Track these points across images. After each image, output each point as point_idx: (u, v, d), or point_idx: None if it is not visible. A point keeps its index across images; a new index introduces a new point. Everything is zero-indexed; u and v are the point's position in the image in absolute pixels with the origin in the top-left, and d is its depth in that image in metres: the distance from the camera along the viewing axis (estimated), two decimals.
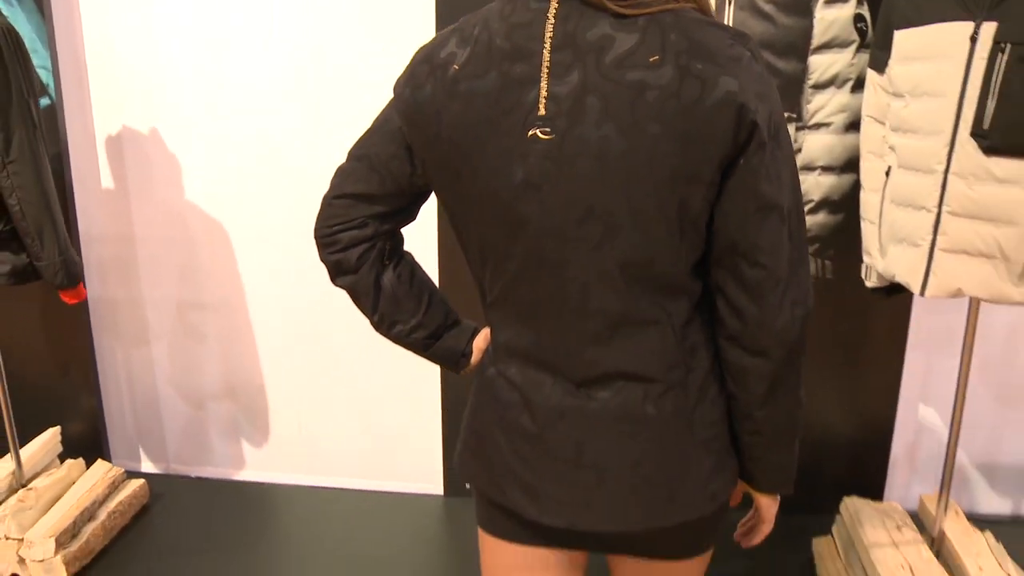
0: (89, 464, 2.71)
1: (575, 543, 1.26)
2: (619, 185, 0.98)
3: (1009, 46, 1.72)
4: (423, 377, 2.76)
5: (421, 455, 2.89)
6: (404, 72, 1.12)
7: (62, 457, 2.73)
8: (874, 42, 2.06)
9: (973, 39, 1.77)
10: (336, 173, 1.20)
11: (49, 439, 2.69)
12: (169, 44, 2.63)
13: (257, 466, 3.00)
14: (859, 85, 2.28)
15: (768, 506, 1.24)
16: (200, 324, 2.87)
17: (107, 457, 2.94)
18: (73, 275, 2.24)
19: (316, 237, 1.21)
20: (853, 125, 2.30)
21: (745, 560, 2.41)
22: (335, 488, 2.94)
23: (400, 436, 2.89)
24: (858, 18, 2.24)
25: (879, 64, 2.02)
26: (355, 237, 1.18)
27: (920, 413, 2.71)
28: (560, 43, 0.99)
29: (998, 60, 1.74)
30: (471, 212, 1.09)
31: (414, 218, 1.23)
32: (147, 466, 3.06)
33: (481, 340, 1.30)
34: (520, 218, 1.04)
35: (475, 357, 1.30)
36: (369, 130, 1.19)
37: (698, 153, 0.97)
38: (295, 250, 2.70)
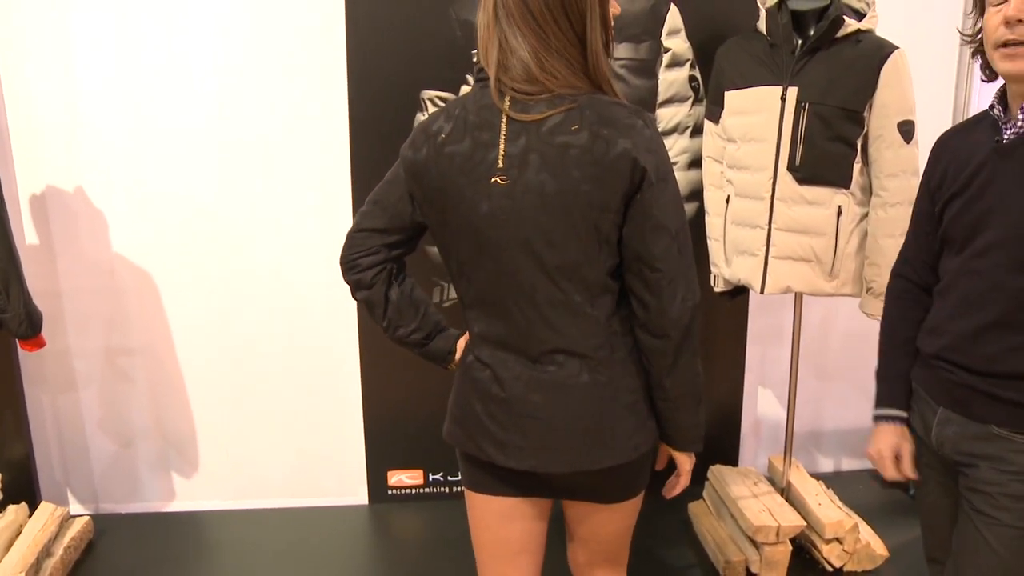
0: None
1: (536, 490, 1.66)
2: (553, 213, 1.42)
3: (808, 104, 2.32)
4: (345, 399, 3.11)
5: (345, 469, 3.20)
6: (408, 140, 1.55)
7: (1, 504, 2.89)
8: (708, 99, 2.64)
9: (783, 99, 2.35)
10: (358, 214, 1.62)
11: None
12: (89, 99, 2.80)
13: (187, 496, 3.22)
14: (696, 131, 2.84)
15: (683, 461, 1.64)
16: (128, 368, 3.08)
17: (37, 501, 3.08)
18: (36, 325, 2.47)
19: (341, 262, 1.62)
20: (694, 163, 2.85)
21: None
22: (266, 509, 3.19)
23: (323, 454, 3.19)
24: (691, 79, 2.82)
25: (714, 116, 2.60)
26: (371, 261, 1.59)
27: (760, 394, 3.31)
28: (511, 121, 1.44)
29: (801, 115, 2.33)
30: (452, 238, 1.52)
31: (415, 249, 1.65)
32: (76, 508, 3.21)
33: (462, 342, 1.72)
34: (486, 239, 1.48)
35: (458, 355, 1.71)
36: (382, 182, 1.60)
37: (607, 190, 1.39)
38: (219, 292, 2.99)
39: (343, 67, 2.79)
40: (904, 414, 1.80)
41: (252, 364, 3.08)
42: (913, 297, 1.79)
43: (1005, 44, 1.47)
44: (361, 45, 2.74)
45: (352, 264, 1.60)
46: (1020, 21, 1.43)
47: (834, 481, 3.12)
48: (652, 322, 1.47)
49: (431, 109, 2.78)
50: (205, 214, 2.94)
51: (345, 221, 2.92)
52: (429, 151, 1.49)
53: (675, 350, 1.48)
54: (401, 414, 3.11)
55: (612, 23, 1.50)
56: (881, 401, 1.83)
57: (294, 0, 2.79)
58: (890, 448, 1.81)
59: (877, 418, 1.82)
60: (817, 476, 3.04)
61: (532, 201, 1.42)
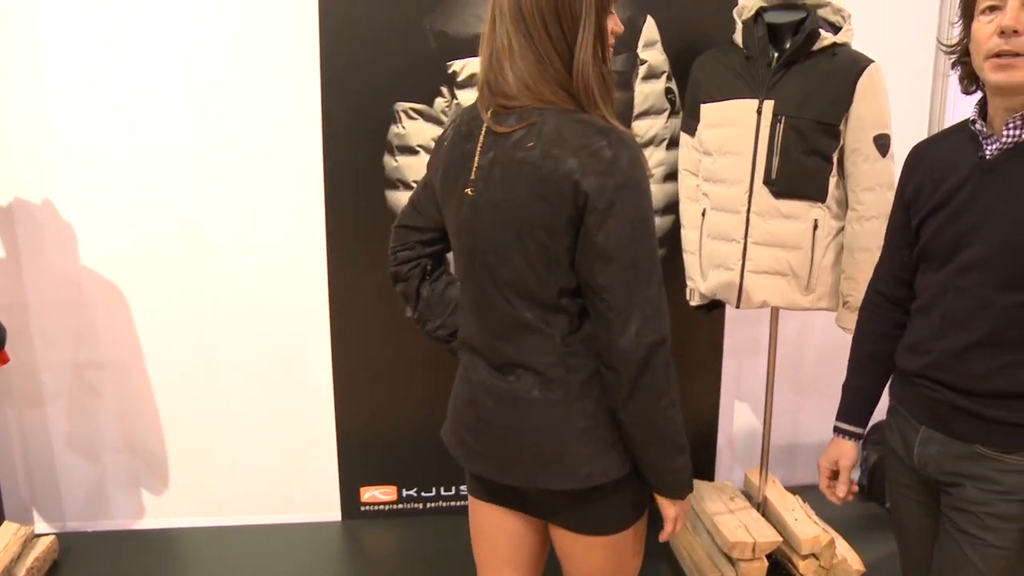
0: None
1: (518, 504, 1.64)
2: (506, 228, 1.42)
3: (784, 118, 2.31)
4: (318, 414, 3.06)
5: (317, 485, 3.16)
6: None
7: None
8: (685, 112, 2.62)
9: (759, 112, 2.34)
10: (400, 211, 1.69)
11: None
12: (57, 110, 2.76)
13: (157, 513, 3.16)
14: (672, 143, 2.82)
15: (665, 507, 1.56)
16: (96, 383, 3.03)
17: (0, 520, 3.02)
18: (0, 340, 2.42)
19: (389, 255, 1.69)
20: (670, 176, 2.84)
21: None
22: (238, 526, 3.14)
23: (296, 470, 3.15)
24: (668, 91, 2.80)
25: (690, 129, 2.58)
26: (406, 256, 1.67)
27: (736, 408, 3.29)
28: (488, 133, 1.44)
29: (777, 128, 2.32)
30: (451, 241, 1.57)
31: (450, 248, 1.64)
32: (41, 527, 3.15)
33: None
34: (460, 247, 1.51)
35: None
36: (420, 180, 1.66)
37: (551, 210, 1.36)
38: (190, 306, 2.94)
39: (317, 79, 2.76)
40: (858, 431, 1.83)
41: (223, 378, 3.04)
42: (883, 312, 1.79)
43: (999, 55, 1.44)
44: (335, 57, 2.71)
45: (392, 256, 1.69)
46: (1016, 32, 1.41)
47: (811, 494, 3.08)
48: (603, 352, 1.43)
49: (405, 121, 2.76)
50: (176, 227, 2.90)
51: (318, 234, 2.88)
52: (437, 156, 1.55)
53: (629, 386, 1.42)
54: (374, 430, 3.07)
55: (611, 38, 1.47)
56: (839, 414, 1.86)
57: (267, 12, 2.76)
58: (829, 461, 1.85)
59: (834, 429, 1.87)
60: (794, 489, 3.03)
61: (489, 215, 1.43)
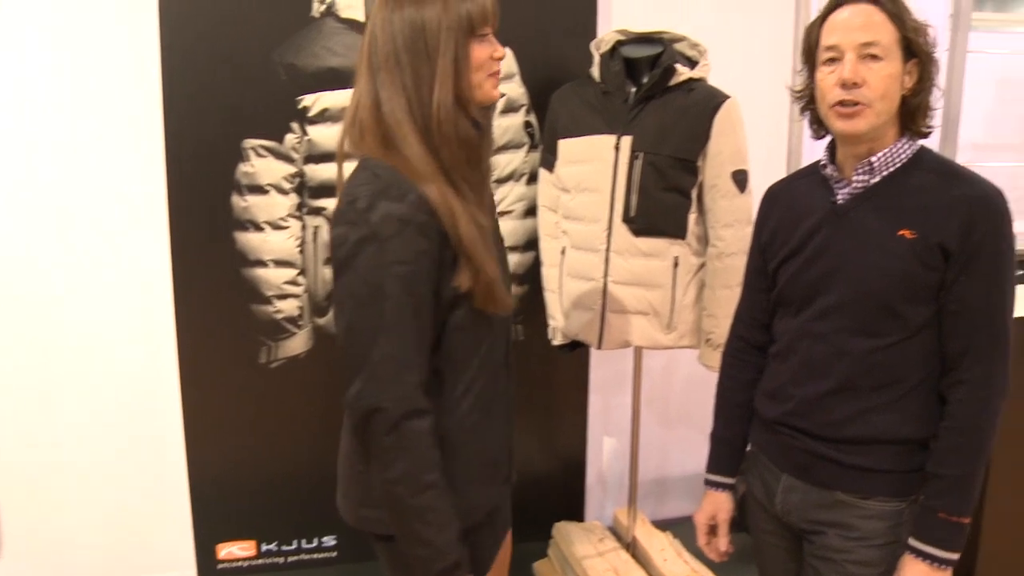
0: None
1: None
2: None
3: (642, 154, 2.26)
4: (168, 467, 2.84)
5: (170, 543, 2.92)
6: None
7: None
8: (543, 147, 2.55)
9: (616, 148, 2.29)
10: None
11: None
12: None
13: None
14: (532, 178, 2.75)
15: None
16: None
17: None
18: None
19: None
20: (530, 211, 2.76)
21: None
22: None
23: (146, 528, 2.91)
24: (527, 124, 2.73)
25: (548, 164, 2.51)
26: None
27: (605, 444, 3.24)
28: None
29: (635, 164, 2.27)
30: None
31: None
32: None
33: None
34: None
35: None
36: None
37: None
38: (25, 356, 2.69)
39: (159, 119, 2.55)
40: (729, 481, 1.80)
41: (63, 431, 2.76)
42: (746, 358, 1.77)
43: (841, 103, 1.46)
44: (178, 94, 2.52)
45: None
46: (855, 84, 1.43)
47: (683, 528, 3.05)
48: None
49: (254, 159, 2.59)
50: (13, 274, 2.65)
51: (164, 277, 2.67)
52: None
53: (362, 444, 1.36)
54: (230, 481, 2.86)
55: (494, 66, 1.41)
56: (709, 466, 1.83)
57: (103, 48, 2.54)
58: (706, 516, 1.82)
59: (705, 482, 1.82)
60: (665, 524, 2.99)
61: None
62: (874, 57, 1.43)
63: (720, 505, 1.80)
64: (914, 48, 1.45)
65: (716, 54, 2.45)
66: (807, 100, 1.59)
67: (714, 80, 2.39)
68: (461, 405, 1.46)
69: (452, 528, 1.36)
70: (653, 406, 3.23)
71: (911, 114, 1.49)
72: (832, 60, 1.47)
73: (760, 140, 2.70)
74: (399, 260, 1.30)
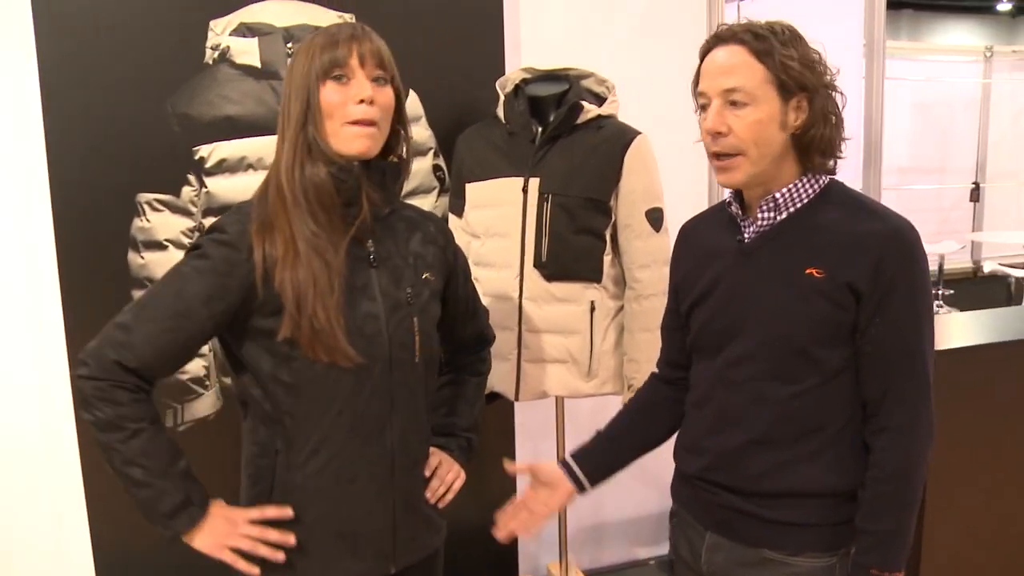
0: None
1: None
2: None
3: (551, 195, 2.18)
4: (70, 540, 2.66)
5: None
6: None
7: None
8: (452, 191, 2.45)
9: (524, 191, 2.20)
10: None
11: None
12: None
13: None
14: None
15: None
16: None
17: None
18: None
19: None
20: None
21: None
22: None
23: None
24: (436, 168, 2.63)
25: (457, 209, 2.41)
26: None
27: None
28: None
29: (544, 207, 2.18)
30: None
31: None
32: None
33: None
34: None
35: None
36: None
37: None
38: None
39: (44, 175, 2.38)
40: (580, 473, 1.66)
41: None
42: (655, 386, 1.72)
43: (717, 156, 1.40)
44: (64, 148, 2.34)
45: None
46: (720, 133, 1.37)
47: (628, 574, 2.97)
48: None
49: (149, 214, 2.45)
50: None
51: (57, 346, 2.49)
52: None
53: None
54: (137, 560, 2.68)
55: (349, 114, 1.36)
56: (574, 450, 1.71)
57: None
58: (535, 492, 1.69)
59: (560, 462, 1.71)
60: (602, 572, 2.88)
61: None
62: (736, 104, 1.36)
63: (557, 489, 1.66)
64: (793, 84, 1.37)
65: (630, 87, 2.39)
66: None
67: (628, 114, 2.32)
68: (308, 464, 1.42)
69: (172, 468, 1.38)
70: None
71: (805, 150, 1.41)
72: (704, 107, 1.41)
73: (680, 174, 2.64)
74: (192, 268, 1.35)
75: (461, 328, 1.71)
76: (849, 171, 3.32)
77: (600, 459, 1.68)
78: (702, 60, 1.43)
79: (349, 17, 2.48)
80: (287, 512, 1.43)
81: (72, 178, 2.39)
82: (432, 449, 1.65)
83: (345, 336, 1.36)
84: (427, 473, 1.61)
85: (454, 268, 1.62)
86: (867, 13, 3.06)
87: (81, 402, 1.34)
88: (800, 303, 1.38)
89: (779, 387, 1.41)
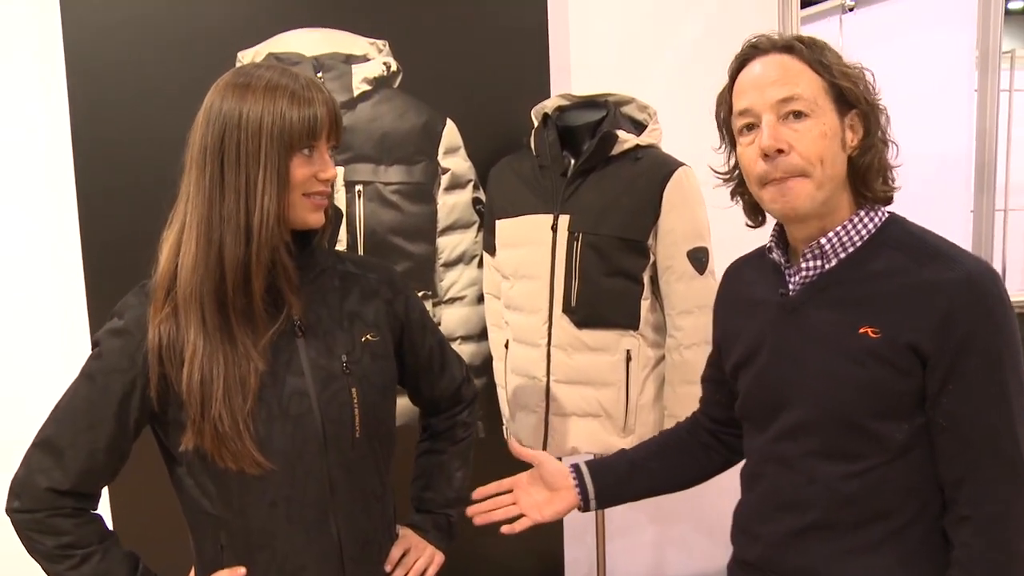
0: None
1: None
2: None
3: (581, 234, 1.99)
4: None
5: None
6: None
7: None
8: (484, 228, 2.29)
9: (554, 228, 2.02)
10: None
11: None
12: None
13: None
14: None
15: None
16: None
17: None
18: None
19: None
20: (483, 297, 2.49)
21: None
22: None
23: None
24: (476, 201, 2.47)
25: (490, 248, 2.24)
26: None
27: (586, 542, 2.91)
28: None
29: (575, 246, 1.99)
30: None
31: None
32: None
33: None
34: None
35: None
36: None
37: None
38: None
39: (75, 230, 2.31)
40: (589, 484, 1.47)
41: None
42: (694, 434, 1.55)
43: (770, 181, 1.17)
44: (91, 188, 2.28)
45: None
46: (780, 151, 1.15)
47: None
48: None
49: None
50: None
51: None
52: None
53: None
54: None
55: (312, 187, 1.21)
56: (590, 462, 1.52)
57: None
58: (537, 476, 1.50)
59: (573, 467, 1.51)
60: None
61: None
62: (798, 115, 1.15)
63: (557, 495, 1.48)
64: (849, 97, 1.17)
65: (680, 115, 2.18)
66: (737, 182, 1.33)
67: (676, 144, 2.11)
68: (255, 558, 1.29)
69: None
70: (645, 504, 2.89)
71: (861, 177, 1.20)
72: (749, 127, 1.20)
73: (732, 211, 2.40)
74: (95, 369, 1.23)
75: (428, 386, 1.51)
76: (960, 192, 3.03)
77: (617, 479, 1.49)
78: (734, 77, 1.24)
79: (382, 44, 2.36)
80: (240, 571, 1.29)
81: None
82: (403, 531, 1.47)
83: (255, 439, 1.20)
84: (388, 567, 1.42)
85: (406, 320, 1.42)
86: (981, 20, 2.78)
87: (22, 538, 1.23)
88: (853, 369, 1.17)
89: (833, 466, 1.20)
